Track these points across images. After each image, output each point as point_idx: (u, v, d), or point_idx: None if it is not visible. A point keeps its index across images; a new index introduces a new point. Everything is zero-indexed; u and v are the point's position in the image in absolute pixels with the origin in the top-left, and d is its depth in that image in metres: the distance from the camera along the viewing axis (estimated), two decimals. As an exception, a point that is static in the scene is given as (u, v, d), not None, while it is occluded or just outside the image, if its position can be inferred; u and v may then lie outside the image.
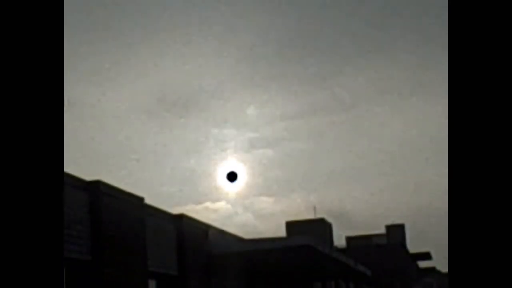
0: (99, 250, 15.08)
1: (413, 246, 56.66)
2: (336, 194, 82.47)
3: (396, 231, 54.04)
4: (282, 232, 44.06)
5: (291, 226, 44.52)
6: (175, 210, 20.62)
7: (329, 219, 47.06)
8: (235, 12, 68.91)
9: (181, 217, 20.37)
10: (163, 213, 19.52)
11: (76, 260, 14.45)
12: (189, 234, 20.53)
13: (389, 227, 54.49)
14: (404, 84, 79.32)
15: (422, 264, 69.19)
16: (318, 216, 46.17)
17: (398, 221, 56.64)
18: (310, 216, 46.04)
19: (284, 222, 45.93)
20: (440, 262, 76.30)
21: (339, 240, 51.38)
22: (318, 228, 43.20)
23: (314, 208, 47.63)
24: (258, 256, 23.18)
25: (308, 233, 31.93)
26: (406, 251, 54.19)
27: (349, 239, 53.92)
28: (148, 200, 18.02)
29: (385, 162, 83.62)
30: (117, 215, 16.11)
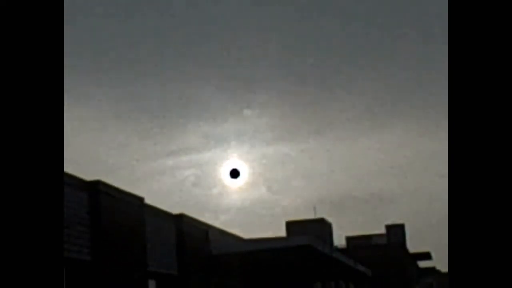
0: (99, 250, 15.07)
1: (413, 246, 56.70)
2: (336, 194, 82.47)
3: (396, 231, 54.03)
4: (282, 232, 44.06)
5: (291, 226, 44.50)
6: (176, 210, 20.63)
7: (329, 219, 47.08)
8: (235, 12, 68.89)
9: (181, 217, 20.37)
10: (163, 213, 19.52)
11: (76, 260, 14.45)
12: (189, 234, 20.53)
13: (389, 227, 54.49)
14: (405, 84, 79.29)
15: (422, 264, 69.21)
16: (318, 216, 46.17)
17: (398, 221, 56.70)
18: (310, 216, 46.03)
19: (284, 222, 45.95)
20: (440, 262, 76.36)
21: (339, 240, 51.39)
22: (318, 228, 43.19)
23: (314, 208, 47.65)
24: (258, 256, 23.18)
25: (308, 233, 31.91)
26: (406, 251, 54.20)
27: (349, 239, 53.92)
28: (148, 200, 18.04)
29: (385, 162, 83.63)
30: (117, 215, 16.11)
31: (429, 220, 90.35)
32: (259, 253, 22.75)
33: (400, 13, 72.24)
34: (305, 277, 31.42)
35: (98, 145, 62.98)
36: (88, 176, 15.38)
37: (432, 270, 73.08)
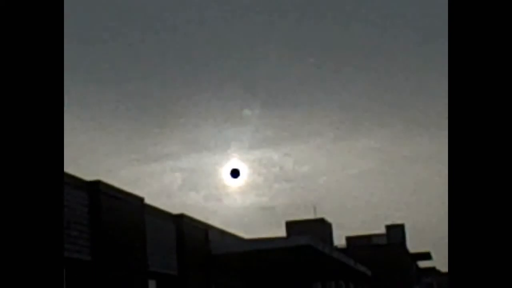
0: (99, 250, 15.07)
1: (413, 246, 56.72)
2: (336, 194, 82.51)
3: (396, 231, 54.06)
4: (282, 232, 44.05)
5: (291, 226, 44.52)
6: (176, 210, 20.63)
7: (329, 219, 47.07)
8: (235, 12, 68.92)
9: (181, 217, 20.37)
10: (163, 213, 19.51)
11: (76, 260, 14.45)
12: (189, 234, 20.53)
13: (389, 227, 54.51)
14: (405, 83, 79.33)
15: (422, 264, 69.23)
16: (318, 216, 46.18)
17: (398, 221, 56.73)
18: (310, 216, 46.05)
19: (284, 222, 45.95)
20: (440, 262, 76.41)
21: (339, 240, 51.41)
22: (318, 228, 43.21)
23: (314, 208, 47.64)
24: (258, 256, 23.18)
25: (308, 233, 31.91)
26: (406, 251, 54.20)
27: (349, 239, 53.93)
28: (148, 200, 18.04)
29: (385, 162, 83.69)
30: (117, 215, 16.11)
31: (429, 220, 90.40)
32: (259, 253, 22.73)
33: (400, 13, 72.25)
34: (305, 277, 31.42)
35: (98, 145, 63.02)
36: (88, 176, 15.39)
37: (432, 270, 73.08)
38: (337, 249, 41.64)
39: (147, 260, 17.44)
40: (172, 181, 73.61)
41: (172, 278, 19.53)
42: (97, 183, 15.45)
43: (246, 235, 26.79)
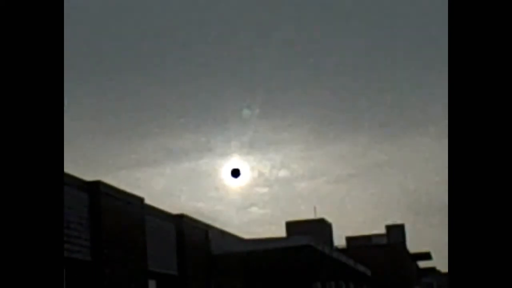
0: (99, 250, 15.08)
1: (413, 246, 56.71)
2: (337, 194, 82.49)
3: (396, 231, 54.05)
4: (282, 232, 44.05)
5: (291, 226, 44.50)
6: (176, 210, 20.64)
7: (329, 219, 47.07)
8: (235, 12, 68.88)
9: (181, 217, 20.38)
10: (163, 213, 19.52)
11: (76, 260, 14.46)
12: (189, 234, 20.54)
13: (389, 227, 54.50)
14: (404, 83, 79.30)
15: (422, 264, 69.23)
16: (318, 216, 46.17)
17: (398, 221, 56.73)
18: (310, 216, 46.03)
19: (284, 222, 45.95)
20: (440, 262, 76.41)
21: (339, 240, 51.39)
22: (318, 228, 43.19)
23: (314, 208, 47.63)
24: (258, 256, 23.19)
25: (308, 233, 31.90)
26: (406, 251, 54.21)
27: (349, 239, 53.93)
28: (148, 200, 18.04)
29: (385, 162, 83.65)
30: (117, 215, 16.11)
31: (429, 220, 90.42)
32: (259, 253, 22.75)
33: (400, 13, 72.29)
34: (305, 277, 31.43)
35: (98, 145, 63.03)
36: (88, 176, 15.40)
37: (432, 270, 73.08)
38: (337, 249, 41.66)
39: (147, 260, 17.45)
40: (172, 181, 73.57)
41: (172, 278, 19.54)
42: (97, 183, 15.46)
43: (246, 235, 26.81)
